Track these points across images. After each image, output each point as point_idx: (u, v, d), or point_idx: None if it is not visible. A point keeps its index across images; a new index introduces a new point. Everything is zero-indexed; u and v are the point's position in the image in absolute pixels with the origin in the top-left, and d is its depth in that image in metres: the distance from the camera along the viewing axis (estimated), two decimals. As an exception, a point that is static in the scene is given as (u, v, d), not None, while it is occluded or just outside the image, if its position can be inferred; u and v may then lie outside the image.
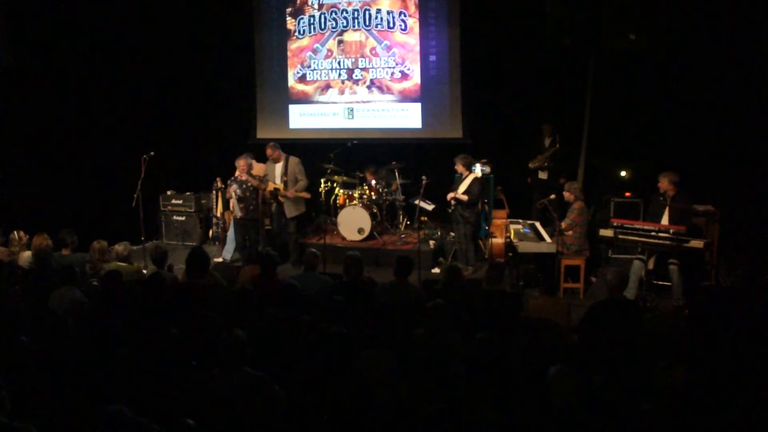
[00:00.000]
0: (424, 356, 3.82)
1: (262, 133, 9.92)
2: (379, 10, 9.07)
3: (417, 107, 9.17)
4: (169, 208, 9.08)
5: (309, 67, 9.54)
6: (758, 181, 6.63)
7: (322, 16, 9.33)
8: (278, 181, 7.70)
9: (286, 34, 9.58)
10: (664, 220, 6.27)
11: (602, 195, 7.68)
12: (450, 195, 7.37)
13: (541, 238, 6.85)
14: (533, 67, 8.18)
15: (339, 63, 9.39)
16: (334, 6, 9.24)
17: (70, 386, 3.38)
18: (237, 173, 7.46)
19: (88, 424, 2.84)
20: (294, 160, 7.71)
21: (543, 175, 8.32)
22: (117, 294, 4.85)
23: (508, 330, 4.10)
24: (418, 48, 9.01)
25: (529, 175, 8.43)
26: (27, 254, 6.35)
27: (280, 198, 7.70)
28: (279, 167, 7.70)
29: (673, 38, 7.07)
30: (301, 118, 9.73)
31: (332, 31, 9.33)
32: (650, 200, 6.64)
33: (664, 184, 6.28)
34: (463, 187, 7.35)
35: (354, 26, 9.20)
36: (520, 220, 7.35)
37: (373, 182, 8.44)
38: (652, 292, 6.38)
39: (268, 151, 7.76)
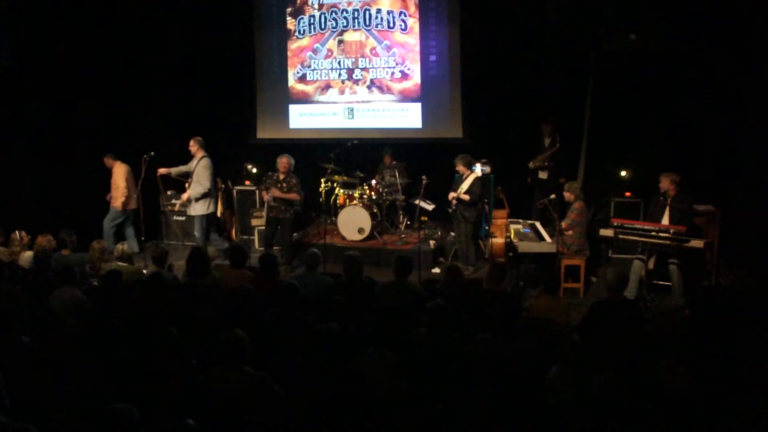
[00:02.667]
0: (424, 356, 3.82)
1: (262, 133, 9.92)
2: (379, 10, 9.07)
3: (417, 107, 9.17)
4: (169, 208, 9.07)
5: (309, 67, 9.54)
6: (758, 181, 6.63)
7: (322, 16, 9.33)
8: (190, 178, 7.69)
9: (286, 34, 9.58)
10: (665, 220, 6.27)
11: (602, 195, 7.67)
12: (451, 195, 7.38)
13: (541, 238, 6.85)
14: (533, 67, 8.17)
15: (339, 63, 9.38)
16: (334, 6, 9.23)
17: (70, 386, 3.38)
18: (278, 173, 7.53)
19: (88, 423, 2.84)
20: (203, 162, 7.51)
21: (543, 175, 8.31)
22: (117, 293, 4.85)
23: (508, 330, 4.10)
24: (418, 48, 9.01)
25: (530, 174, 8.42)
26: (28, 254, 6.36)
27: (183, 196, 7.63)
28: (192, 164, 7.62)
29: (673, 38, 7.06)
30: (301, 118, 9.73)
31: (332, 31, 9.33)
32: (650, 200, 6.64)
33: (666, 183, 6.27)
34: (465, 186, 7.35)
35: (354, 26, 9.20)
36: (520, 220, 7.34)
37: (374, 182, 8.45)
38: (652, 292, 6.39)
39: (191, 143, 7.62)
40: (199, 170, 7.47)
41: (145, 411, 2.92)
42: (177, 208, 7.63)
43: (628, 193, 7.52)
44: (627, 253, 6.82)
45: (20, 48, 7.95)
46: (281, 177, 7.53)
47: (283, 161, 7.56)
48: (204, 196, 7.49)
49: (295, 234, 8.40)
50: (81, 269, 5.91)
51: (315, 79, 9.54)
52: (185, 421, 2.82)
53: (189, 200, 7.55)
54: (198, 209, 7.56)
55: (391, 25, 9.05)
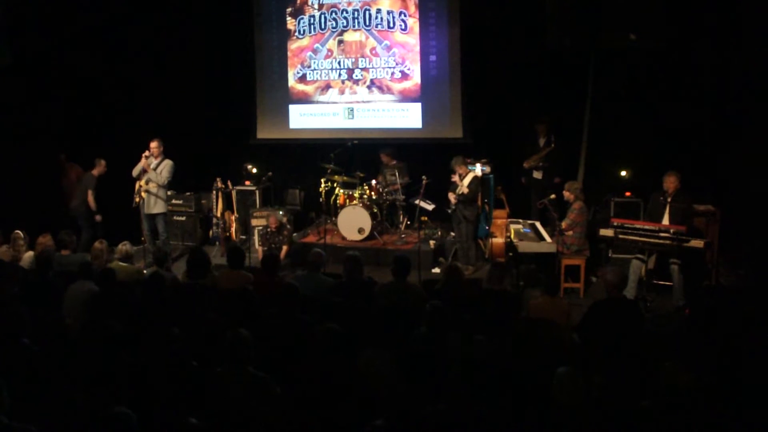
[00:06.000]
0: (424, 356, 3.82)
1: (262, 133, 9.92)
2: (379, 10, 9.07)
3: (417, 107, 9.16)
4: (169, 208, 9.05)
5: (309, 67, 9.53)
6: (758, 181, 6.63)
7: (322, 16, 9.33)
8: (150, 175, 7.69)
9: (286, 34, 9.57)
10: (665, 220, 6.26)
11: (602, 195, 7.67)
12: (451, 196, 7.36)
13: (541, 238, 6.86)
14: (533, 67, 8.18)
15: (339, 63, 9.38)
16: (334, 6, 9.23)
17: (71, 387, 3.38)
18: (269, 228, 7.79)
19: (88, 426, 2.84)
20: (170, 163, 7.66)
21: (537, 175, 8.29)
22: (113, 292, 4.86)
23: (508, 330, 4.10)
24: (418, 48, 9.01)
25: (524, 174, 8.41)
26: (28, 254, 6.36)
27: (142, 194, 7.61)
28: (155, 163, 7.65)
29: (673, 38, 7.06)
30: (302, 118, 9.73)
31: (332, 31, 9.33)
32: (649, 199, 6.64)
33: (672, 183, 6.24)
34: (465, 184, 7.34)
35: (354, 26, 9.20)
36: (520, 220, 7.35)
37: (374, 182, 8.45)
38: (652, 292, 6.38)
39: (154, 144, 7.64)
40: (166, 170, 7.62)
41: (145, 411, 2.92)
42: (145, 193, 7.64)
43: (628, 193, 7.51)
44: (627, 253, 6.82)
45: (20, 48, 7.95)
46: (274, 230, 7.75)
47: (272, 220, 7.82)
48: (164, 194, 7.70)
49: (294, 234, 8.42)
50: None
51: (315, 79, 9.54)
52: (189, 420, 2.82)
53: (148, 192, 7.64)
54: (159, 207, 7.71)
55: (391, 25, 9.05)
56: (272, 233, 7.77)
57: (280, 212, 8.21)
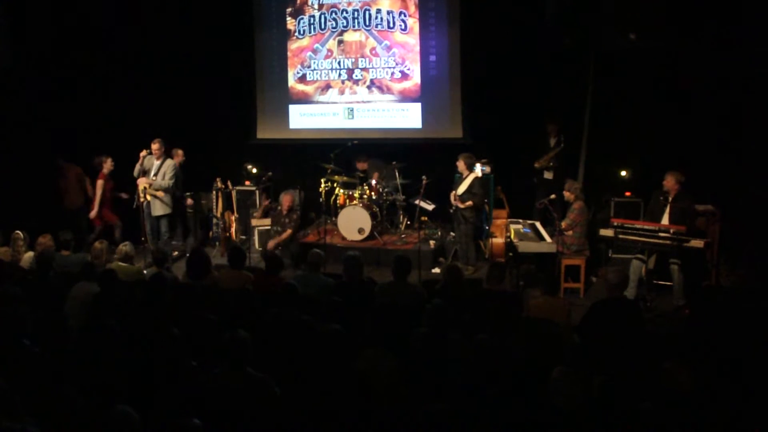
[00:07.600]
0: (424, 356, 3.82)
1: (262, 133, 9.92)
2: (379, 10, 9.07)
3: (417, 107, 9.16)
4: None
5: (309, 67, 9.53)
6: (758, 181, 6.63)
7: (322, 16, 9.33)
8: (153, 177, 7.69)
9: (286, 34, 9.57)
10: (665, 220, 6.26)
11: (602, 195, 7.67)
12: (453, 195, 7.36)
13: (542, 238, 6.85)
14: (533, 67, 8.17)
15: (339, 63, 9.38)
16: (334, 6, 9.23)
17: (72, 387, 3.38)
18: (281, 208, 7.84)
19: (88, 425, 2.85)
20: (171, 163, 7.70)
21: (548, 175, 8.27)
22: (114, 293, 4.86)
23: (508, 330, 4.10)
24: (418, 48, 9.01)
25: (535, 175, 8.40)
26: (28, 255, 6.36)
27: (147, 196, 7.62)
28: (156, 164, 7.68)
29: (673, 38, 7.06)
30: (302, 118, 9.73)
31: (332, 31, 9.33)
32: (650, 198, 6.63)
33: (671, 182, 6.24)
34: (464, 187, 7.35)
35: (354, 26, 9.19)
36: (520, 220, 7.35)
37: (374, 182, 8.45)
38: (652, 291, 6.39)
39: (155, 146, 7.67)
40: (169, 171, 7.64)
41: (145, 411, 2.92)
42: (150, 196, 7.64)
43: (628, 193, 7.51)
44: (627, 253, 6.82)
45: (21, 48, 7.96)
46: (284, 212, 7.77)
47: (287, 198, 7.77)
48: (169, 197, 7.70)
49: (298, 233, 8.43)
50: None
51: (315, 79, 9.54)
52: (192, 421, 2.82)
53: (153, 196, 7.64)
54: (164, 209, 7.70)
55: (391, 25, 9.05)
56: (280, 214, 7.72)
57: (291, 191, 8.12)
